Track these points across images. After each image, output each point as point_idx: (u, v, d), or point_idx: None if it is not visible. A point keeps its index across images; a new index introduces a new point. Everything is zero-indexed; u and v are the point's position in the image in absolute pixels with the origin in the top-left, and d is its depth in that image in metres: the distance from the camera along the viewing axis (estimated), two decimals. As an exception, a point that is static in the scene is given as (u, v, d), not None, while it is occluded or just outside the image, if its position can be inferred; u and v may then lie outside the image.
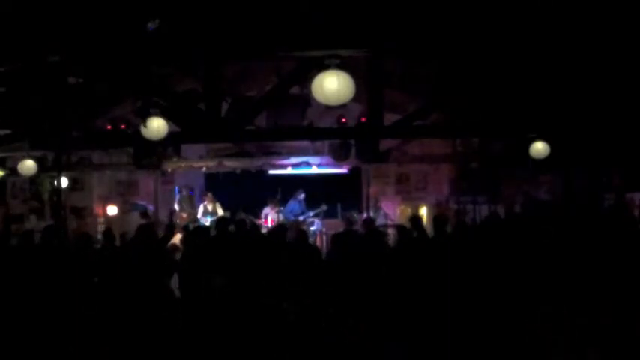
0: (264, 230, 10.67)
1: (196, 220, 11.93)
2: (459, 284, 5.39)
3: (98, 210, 13.12)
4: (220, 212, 11.91)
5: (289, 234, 7.51)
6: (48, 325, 5.14)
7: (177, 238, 7.84)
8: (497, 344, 4.69)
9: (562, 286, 5.10)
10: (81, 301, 5.41)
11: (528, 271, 5.44)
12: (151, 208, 12.14)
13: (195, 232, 7.50)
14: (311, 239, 10.54)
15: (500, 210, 10.86)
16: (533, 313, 4.85)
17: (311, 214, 12.12)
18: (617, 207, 9.31)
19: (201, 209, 12.15)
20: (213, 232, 7.23)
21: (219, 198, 12.47)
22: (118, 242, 7.65)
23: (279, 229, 7.65)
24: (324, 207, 12.11)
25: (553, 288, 5.11)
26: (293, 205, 12.22)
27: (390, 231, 10.34)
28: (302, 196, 12.25)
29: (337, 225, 11.91)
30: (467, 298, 5.24)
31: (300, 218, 11.94)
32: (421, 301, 5.38)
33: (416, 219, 7.33)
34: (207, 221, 11.72)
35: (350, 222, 8.99)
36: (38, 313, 5.21)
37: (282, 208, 12.14)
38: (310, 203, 12.34)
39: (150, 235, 6.42)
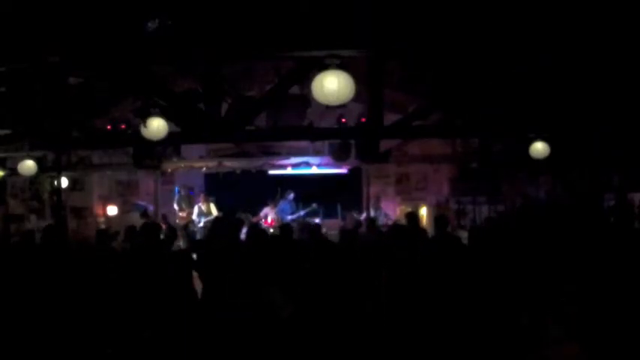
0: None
1: (192, 220, 12.01)
2: (460, 284, 5.40)
3: (98, 210, 13.15)
4: (214, 212, 11.96)
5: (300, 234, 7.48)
6: (48, 324, 5.14)
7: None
8: (497, 344, 4.69)
9: (562, 286, 5.10)
10: (85, 300, 5.40)
11: (528, 271, 5.45)
12: (150, 208, 12.15)
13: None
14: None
15: (500, 210, 10.87)
16: (533, 312, 4.85)
17: (302, 213, 12.25)
18: (620, 207, 9.28)
19: (196, 210, 12.17)
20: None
21: (219, 198, 12.50)
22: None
23: (286, 229, 7.58)
24: (315, 206, 12.28)
25: (552, 288, 5.11)
26: (284, 205, 12.42)
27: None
28: (291, 196, 12.48)
29: (337, 224, 11.96)
30: (467, 298, 5.25)
31: (290, 217, 12.02)
32: (423, 301, 5.39)
33: (412, 215, 7.60)
34: (201, 222, 11.84)
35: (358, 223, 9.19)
36: (38, 313, 5.21)
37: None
38: (309, 203, 12.42)
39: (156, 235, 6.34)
